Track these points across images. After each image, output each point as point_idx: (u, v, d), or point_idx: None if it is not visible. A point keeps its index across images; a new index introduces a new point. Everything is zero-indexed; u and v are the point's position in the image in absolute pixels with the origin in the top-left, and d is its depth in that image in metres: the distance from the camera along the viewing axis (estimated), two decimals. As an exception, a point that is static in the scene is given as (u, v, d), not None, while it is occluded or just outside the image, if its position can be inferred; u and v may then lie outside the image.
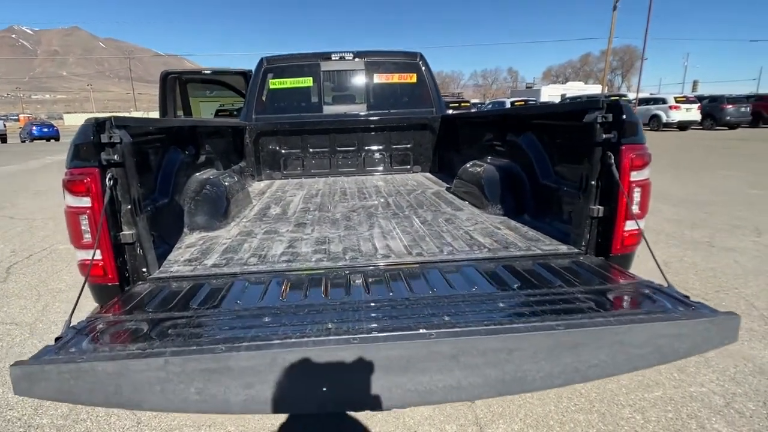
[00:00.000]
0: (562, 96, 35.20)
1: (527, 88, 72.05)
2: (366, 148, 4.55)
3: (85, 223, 1.56)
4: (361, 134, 4.50)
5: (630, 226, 1.79)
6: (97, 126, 1.56)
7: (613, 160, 1.75)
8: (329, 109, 4.46)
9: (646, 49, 28.86)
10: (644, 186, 1.78)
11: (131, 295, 1.60)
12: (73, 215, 1.57)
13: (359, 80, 4.52)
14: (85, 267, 1.57)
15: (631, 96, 25.15)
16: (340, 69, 4.49)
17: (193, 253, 2.05)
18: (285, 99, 4.51)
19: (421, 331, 1.20)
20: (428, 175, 4.45)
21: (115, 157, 1.58)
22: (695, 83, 68.02)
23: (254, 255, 2.02)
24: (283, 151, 4.49)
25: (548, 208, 2.36)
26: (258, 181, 4.44)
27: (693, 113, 20.83)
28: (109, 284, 1.63)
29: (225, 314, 1.41)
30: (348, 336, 1.20)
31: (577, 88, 50.54)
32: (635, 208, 1.78)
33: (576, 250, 1.92)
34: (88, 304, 1.71)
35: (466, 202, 2.98)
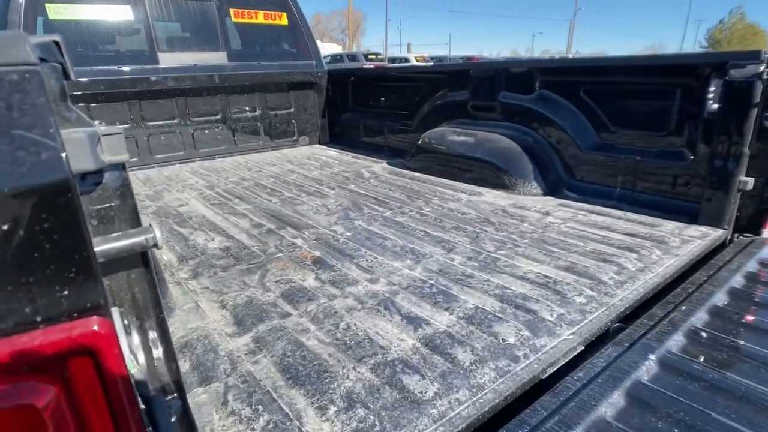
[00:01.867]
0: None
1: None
2: (234, 116, 3.20)
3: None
4: (225, 97, 3.12)
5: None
6: None
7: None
8: (169, 59, 2.90)
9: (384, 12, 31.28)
10: None
11: None
12: None
13: (209, 16, 3.07)
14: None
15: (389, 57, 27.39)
16: (178, -2, 2.93)
17: None
18: (83, 40, 2.70)
19: None
20: (325, 148, 3.47)
21: None
22: (409, 45, 79.38)
23: None
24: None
25: (615, 179, 1.96)
26: None
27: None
28: None
29: None
30: None
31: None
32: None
33: (720, 231, 1.59)
34: None
35: (470, 185, 2.30)
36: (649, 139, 1.88)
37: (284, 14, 3.35)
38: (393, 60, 23.91)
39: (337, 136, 3.58)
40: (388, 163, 2.83)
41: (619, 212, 1.80)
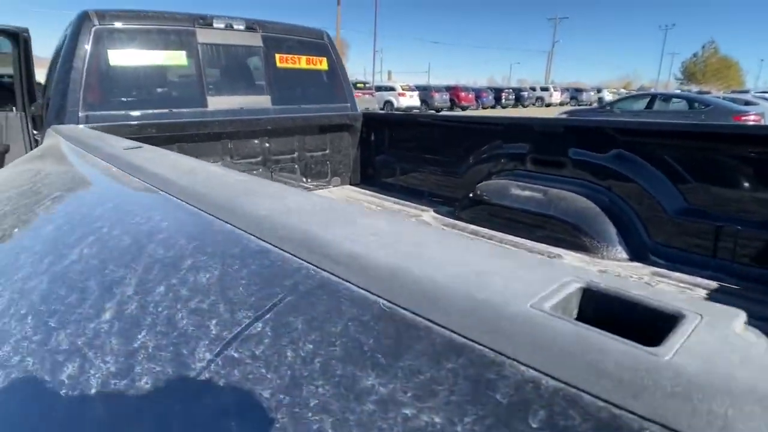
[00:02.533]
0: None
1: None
2: (274, 158, 3.27)
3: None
4: (267, 139, 3.19)
5: None
6: None
7: None
8: (217, 103, 2.97)
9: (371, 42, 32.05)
10: None
11: None
12: None
13: (256, 62, 3.17)
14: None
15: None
16: (228, 43, 3.02)
17: None
18: (139, 84, 2.74)
19: None
20: (358, 189, 3.55)
21: None
22: (389, 73, 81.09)
23: None
24: None
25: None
26: None
27: (415, 99, 24.67)
28: None
29: None
30: None
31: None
32: None
33: None
34: None
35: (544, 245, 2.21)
36: (750, 207, 1.84)
37: (325, 59, 3.47)
38: (379, 89, 24.34)
39: (369, 177, 3.68)
40: (435, 212, 2.88)
41: (732, 285, 1.71)
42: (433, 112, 22.85)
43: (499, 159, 2.79)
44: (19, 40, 2.95)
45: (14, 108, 3.14)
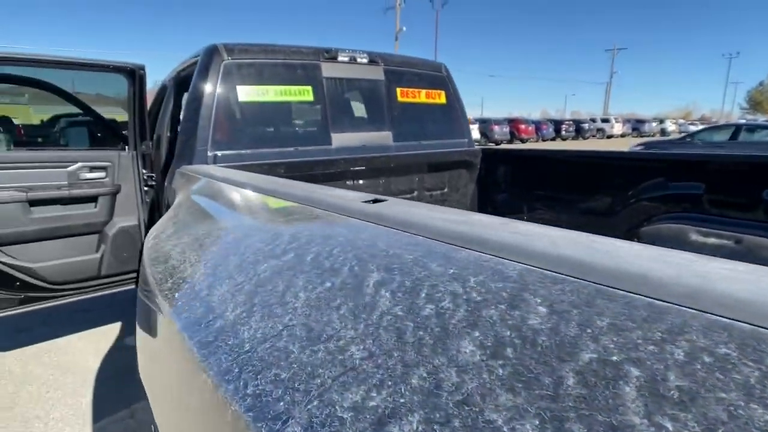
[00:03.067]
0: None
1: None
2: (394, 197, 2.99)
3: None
4: (387, 178, 2.93)
5: None
6: None
7: None
8: (341, 140, 2.75)
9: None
10: None
11: None
12: None
13: (378, 96, 2.95)
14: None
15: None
16: (351, 77, 2.83)
17: None
18: (266, 121, 2.58)
19: None
20: None
21: None
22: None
23: None
24: None
25: None
26: None
27: (474, 132, 24.45)
28: None
29: None
30: None
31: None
32: None
33: None
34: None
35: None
36: None
37: (443, 92, 3.22)
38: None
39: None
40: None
41: None
42: (524, 145, 22.34)
43: (663, 200, 2.39)
44: (135, 77, 2.89)
45: (126, 147, 3.07)
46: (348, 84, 2.82)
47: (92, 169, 2.94)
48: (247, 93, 2.47)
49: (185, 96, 2.57)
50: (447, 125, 3.28)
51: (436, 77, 3.22)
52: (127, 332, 3.62)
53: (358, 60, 2.84)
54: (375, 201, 1.04)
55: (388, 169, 2.88)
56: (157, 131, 3.30)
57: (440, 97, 3.21)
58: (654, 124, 42.30)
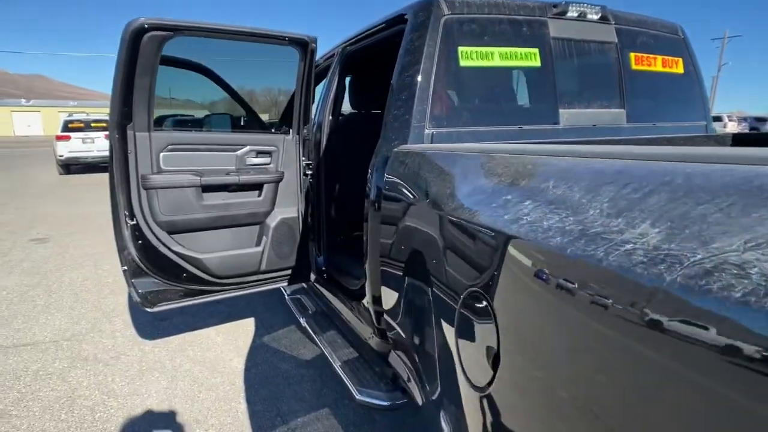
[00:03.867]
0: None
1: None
2: None
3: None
4: None
5: None
6: None
7: None
8: (569, 118, 2.14)
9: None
10: None
11: None
12: None
13: (609, 63, 2.30)
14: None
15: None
16: (581, 39, 2.21)
17: None
18: (487, 93, 2.04)
19: None
20: None
21: None
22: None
23: None
24: None
25: None
26: None
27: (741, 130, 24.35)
28: None
29: None
30: None
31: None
32: None
33: None
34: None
35: None
36: None
37: (680, 60, 2.49)
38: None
39: None
40: None
41: None
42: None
43: None
44: (307, 50, 2.48)
45: (290, 130, 2.69)
46: (577, 47, 2.19)
47: (258, 153, 2.59)
48: (469, 56, 1.93)
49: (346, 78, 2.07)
50: (684, 103, 2.54)
51: (673, 41, 2.50)
52: (260, 330, 3.42)
53: (588, 16, 2.21)
54: None
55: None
56: (318, 116, 2.91)
57: (677, 66, 2.48)
58: (777, 123, 37.19)
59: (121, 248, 2.37)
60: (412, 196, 1.55)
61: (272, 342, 3.20)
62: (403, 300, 1.62)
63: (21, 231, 6.19)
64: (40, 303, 3.78)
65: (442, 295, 1.25)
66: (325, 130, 2.85)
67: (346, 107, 3.28)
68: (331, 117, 2.88)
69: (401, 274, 1.61)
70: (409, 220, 1.54)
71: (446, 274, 1.22)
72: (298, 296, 3.05)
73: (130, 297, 3.92)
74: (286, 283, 2.83)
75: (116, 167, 2.27)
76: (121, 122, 2.24)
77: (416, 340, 1.53)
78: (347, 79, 3.07)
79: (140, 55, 2.12)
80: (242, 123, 3.03)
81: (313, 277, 2.88)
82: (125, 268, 2.39)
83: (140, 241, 2.38)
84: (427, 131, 1.82)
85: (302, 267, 2.81)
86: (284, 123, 2.71)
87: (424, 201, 1.45)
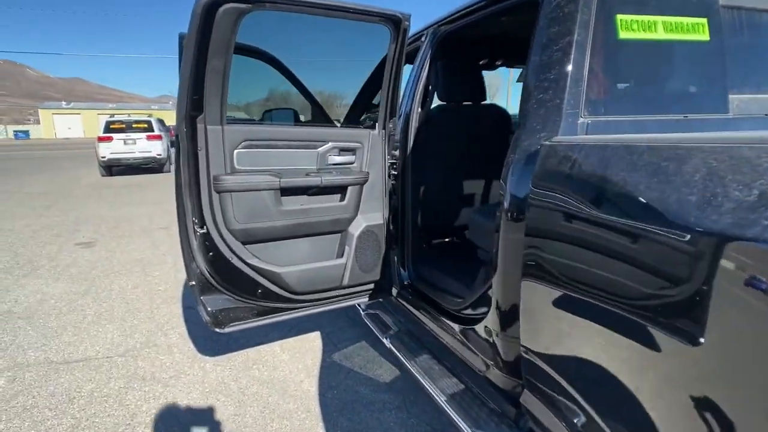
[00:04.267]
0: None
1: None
2: None
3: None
4: None
5: None
6: None
7: None
8: (741, 106, 1.72)
9: None
10: None
11: None
12: None
13: (780, 38, 1.88)
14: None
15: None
16: (753, 6, 1.80)
17: None
18: (649, 72, 1.65)
19: None
20: None
21: None
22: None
23: None
24: None
25: None
26: None
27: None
28: None
29: None
30: None
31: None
32: None
33: None
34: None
35: None
36: None
37: None
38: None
39: None
40: None
41: None
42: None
43: None
44: (400, 29, 2.10)
45: (375, 125, 2.35)
46: (748, 18, 1.77)
47: (341, 150, 2.26)
48: (629, 26, 1.54)
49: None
50: None
51: None
52: (329, 346, 3.11)
53: (759, -21, 1.79)
54: None
55: None
56: (405, 107, 2.55)
57: None
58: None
59: (189, 261, 2.07)
60: (589, 203, 1.17)
61: (344, 360, 2.87)
62: (562, 335, 1.25)
63: (66, 234, 6.09)
64: (90, 313, 3.56)
65: (638, 337, 0.88)
66: (413, 124, 2.49)
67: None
68: (420, 109, 2.52)
69: (564, 302, 1.23)
70: (585, 234, 1.16)
71: (657, 310, 0.85)
72: (376, 312, 2.70)
73: (184, 307, 3.67)
74: (366, 299, 2.49)
75: (184, 167, 1.96)
76: (190, 113, 1.92)
77: (581, 389, 1.17)
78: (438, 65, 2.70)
79: (214, 32, 1.79)
80: (315, 118, 2.72)
81: (394, 291, 2.54)
82: (193, 283, 2.09)
83: (211, 253, 2.07)
84: (581, 120, 1.45)
85: (385, 281, 2.47)
86: (369, 116, 2.38)
87: (614, 209, 1.08)
